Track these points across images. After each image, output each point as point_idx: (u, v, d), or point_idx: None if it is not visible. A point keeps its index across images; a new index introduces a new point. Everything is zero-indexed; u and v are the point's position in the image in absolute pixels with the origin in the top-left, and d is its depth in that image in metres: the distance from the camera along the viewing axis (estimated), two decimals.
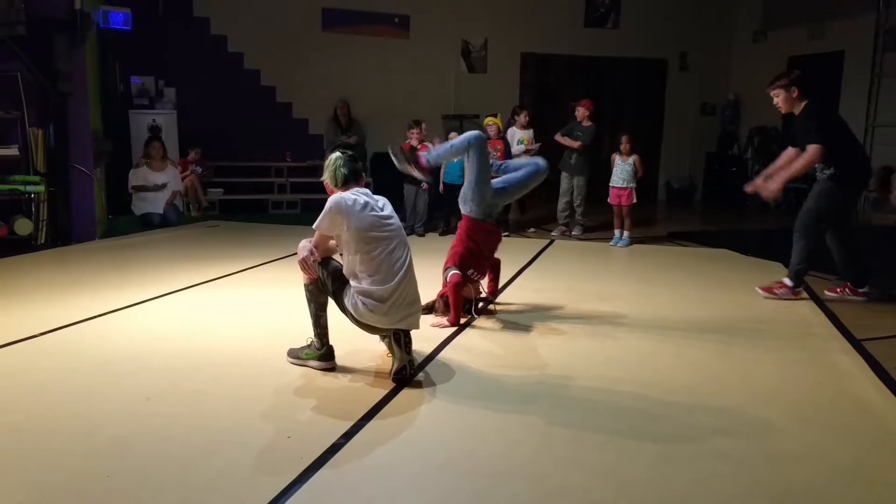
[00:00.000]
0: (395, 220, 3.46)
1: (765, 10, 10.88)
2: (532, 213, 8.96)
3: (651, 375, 3.54)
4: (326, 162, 3.51)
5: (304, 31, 10.12)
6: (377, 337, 3.58)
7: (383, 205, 3.45)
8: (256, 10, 9.90)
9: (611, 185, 7.38)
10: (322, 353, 3.49)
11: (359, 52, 10.21)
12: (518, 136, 8.08)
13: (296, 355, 3.57)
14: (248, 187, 9.69)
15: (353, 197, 3.34)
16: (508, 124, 8.22)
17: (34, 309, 4.53)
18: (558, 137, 7.86)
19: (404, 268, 3.37)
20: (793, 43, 10.16)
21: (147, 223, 8.01)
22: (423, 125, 7.72)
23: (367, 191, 3.46)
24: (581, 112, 7.79)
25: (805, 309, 4.91)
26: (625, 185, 7.28)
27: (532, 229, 8.22)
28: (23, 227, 6.60)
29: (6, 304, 4.66)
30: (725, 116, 11.61)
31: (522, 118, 8.17)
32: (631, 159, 7.27)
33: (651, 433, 2.87)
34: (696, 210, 11.03)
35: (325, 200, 3.39)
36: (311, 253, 3.38)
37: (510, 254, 5.79)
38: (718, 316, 4.71)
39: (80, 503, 2.28)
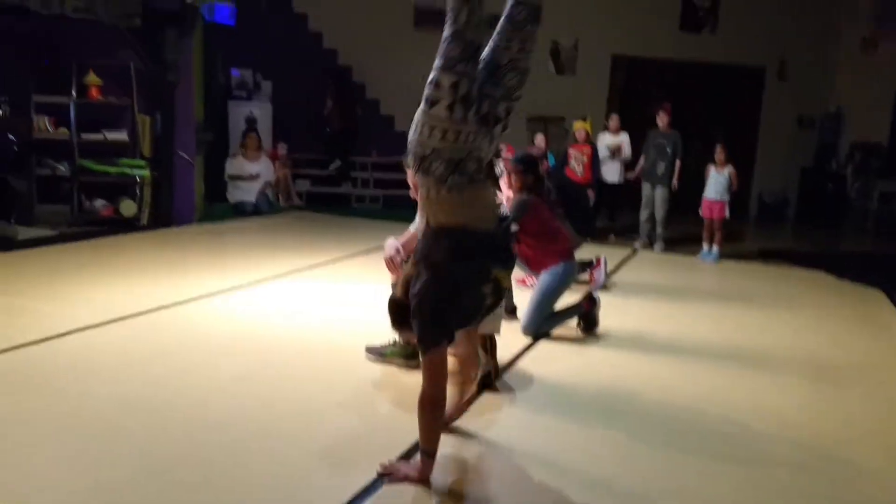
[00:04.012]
0: None
1: (875, 15, 10.25)
2: (619, 220, 8.70)
3: (739, 398, 3.45)
4: None
5: (396, 29, 10.26)
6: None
7: None
8: (351, 6, 10.10)
9: (704, 196, 7.15)
10: (410, 352, 3.52)
11: None
12: (607, 142, 7.97)
13: (378, 353, 3.62)
14: (333, 180, 9.91)
15: None
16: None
17: (139, 286, 4.79)
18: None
19: None
20: None
21: (240, 211, 8.35)
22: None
23: None
24: (664, 119, 7.48)
25: None
26: (718, 198, 7.04)
27: (611, 235, 7.92)
28: (127, 208, 7.00)
29: (113, 280, 4.94)
30: (825, 129, 11.07)
31: (613, 123, 8.05)
32: (726, 171, 7.02)
33: (736, 457, 2.80)
34: (789, 227, 10.60)
35: (408, 196, 3.35)
36: (398, 252, 3.40)
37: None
38: (813, 343, 4.51)
39: (185, 474, 2.43)
